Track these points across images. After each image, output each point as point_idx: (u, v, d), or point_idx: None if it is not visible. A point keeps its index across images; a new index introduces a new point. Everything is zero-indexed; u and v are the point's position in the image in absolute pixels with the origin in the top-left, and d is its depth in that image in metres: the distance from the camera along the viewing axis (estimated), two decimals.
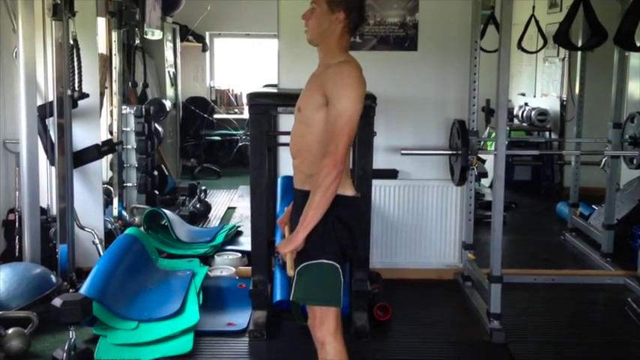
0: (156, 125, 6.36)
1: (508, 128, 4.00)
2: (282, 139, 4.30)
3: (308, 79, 2.61)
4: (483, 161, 6.44)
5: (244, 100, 9.69)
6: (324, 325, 2.54)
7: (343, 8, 2.52)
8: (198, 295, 4.09)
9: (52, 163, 4.45)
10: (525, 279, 4.67)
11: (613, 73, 4.97)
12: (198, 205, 6.50)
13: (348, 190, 2.54)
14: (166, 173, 7.07)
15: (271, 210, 4.11)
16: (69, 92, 4.23)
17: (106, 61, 5.87)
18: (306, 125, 2.54)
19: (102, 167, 5.09)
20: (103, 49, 5.90)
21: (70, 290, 4.06)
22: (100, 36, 5.52)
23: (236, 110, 9.94)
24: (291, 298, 2.56)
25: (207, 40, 9.69)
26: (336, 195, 2.43)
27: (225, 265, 4.82)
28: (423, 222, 4.72)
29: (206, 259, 4.94)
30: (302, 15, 2.61)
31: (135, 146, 5.95)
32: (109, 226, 5.01)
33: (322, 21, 2.55)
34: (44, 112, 4.42)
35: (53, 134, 4.37)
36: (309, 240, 2.44)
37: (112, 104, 5.92)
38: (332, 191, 2.39)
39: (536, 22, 6.44)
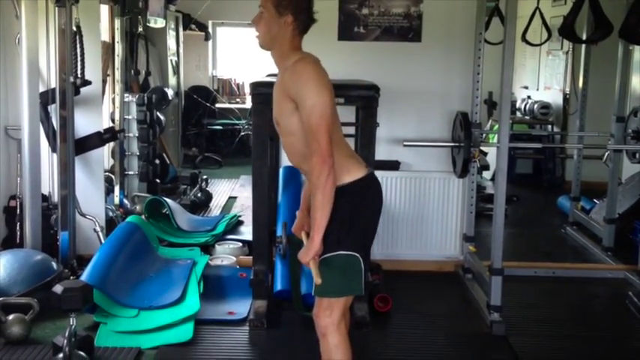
0: (158, 114, 6.35)
1: (510, 121, 3.99)
2: None
3: (274, 91, 2.59)
4: (485, 154, 6.43)
5: (247, 90, 9.68)
6: (329, 317, 2.54)
7: (291, 11, 2.50)
8: (198, 283, 4.10)
9: (53, 150, 4.45)
10: (526, 272, 4.67)
11: (617, 67, 4.96)
12: (199, 194, 6.50)
13: (347, 176, 2.52)
14: (168, 162, 7.06)
15: (273, 200, 4.11)
16: (71, 79, 4.23)
17: (108, 49, 5.85)
18: (290, 134, 2.54)
19: (103, 155, 5.09)
20: (105, 36, 5.88)
21: (71, 277, 4.07)
22: (102, 23, 5.50)
23: (238, 99, 9.93)
24: (312, 294, 2.56)
25: (210, 29, 9.66)
26: (337, 187, 2.43)
27: (226, 255, 4.83)
28: (424, 214, 4.72)
29: (207, 248, 4.95)
30: (252, 20, 2.60)
31: (136, 134, 5.96)
32: (110, 214, 5.01)
33: (271, 25, 2.53)
34: (46, 98, 4.41)
35: (55, 121, 4.37)
36: (324, 237, 2.43)
37: (114, 92, 5.91)
38: (330, 187, 2.39)
39: (541, 14, 6.41)
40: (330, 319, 2.54)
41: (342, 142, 2.60)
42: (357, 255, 2.51)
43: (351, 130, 4.17)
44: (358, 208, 2.52)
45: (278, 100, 2.54)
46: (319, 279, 2.45)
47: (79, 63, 4.29)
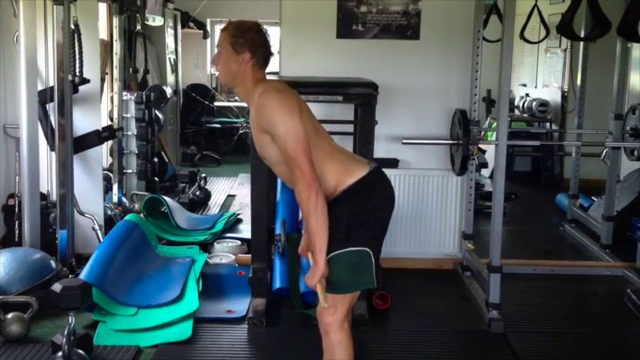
0: (156, 112, 6.34)
1: (509, 119, 3.99)
2: None
3: (251, 127, 2.63)
4: (484, 151, 6.44)
5: None
6: (333, 315, 2.55)
7: (247, 48, 2.52)
8: (197, 282, 4.09)
9: (52, 149, 4.45)
10: (524, 269, 4.67)
11: (615, 65, 4.97)
12: (198, 193, 6.50)
13: (350, 177, 2.53)
14: (166, 160, 7.07)
15: (271, 198, 4.11)
16: (69, 77, 4.22)
17: (106, 47, 5.85)
18: (278, 164, 2.56)
19: (102, 153, 5.08)
20: (103, 34, 5.88)
21: (70, 276, 4.07)
22: (101, 21, 5.50)
23: (237, 97, 9.91)
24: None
25: (209, 27, 9.65)
26: (339, 194, 2.49)
27: (225, 253, 4.82)
28: (423, 211, 4.72)
29: (206, 247, 4.95)
30: (211, 60, 2.61)
31: (135, 133, 5.95)
32: (109, 212, 5.01)
33: (230, 64, 2.55)
34: (45, 97, 4.41)
35: (53, 119, 4.36)
36: (332, 235, 2.45)
37: (112, 90, 5.91)
38: (321, 209, 2.40)
39: (539, 12, 6.42)
40: (333, 317, 2.55)
41: (335, 149, 2.62)
42: (367, 249, 2.52)
43: (350, 127, 4.18)
44: (366, 205, 2.53)
45: (255, 135, 2.57)
46: (325, 303, 2.48)
47: (77, 61, 4.29)
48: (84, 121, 4.61)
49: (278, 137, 2.43)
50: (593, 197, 5.87)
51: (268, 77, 2.63)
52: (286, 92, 2.53)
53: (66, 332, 3.08)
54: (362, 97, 3.78)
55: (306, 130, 2.43)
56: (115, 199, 5.60)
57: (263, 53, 2.55)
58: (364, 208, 2.52)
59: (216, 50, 2.61)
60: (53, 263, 4.05)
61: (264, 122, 2.47)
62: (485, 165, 6.64)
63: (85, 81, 4.38)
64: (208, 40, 9.71)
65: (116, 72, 5.79)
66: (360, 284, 2.59)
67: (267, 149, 2.55)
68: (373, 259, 2.53)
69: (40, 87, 4.45)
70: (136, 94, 5.96)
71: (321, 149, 2.51)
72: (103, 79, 5.65)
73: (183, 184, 6.75)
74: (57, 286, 3.14)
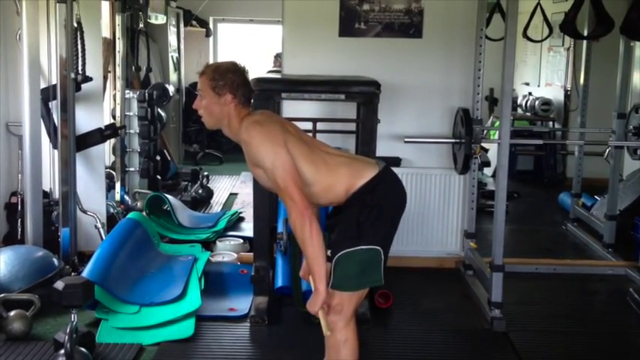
0: (159, 110, 6.35)
1: (512, 117, 3.99)
2: None
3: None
4: (486, 150, 6.43)
5: None
6: (339, 313, 2.56)
7: (228, 90, 2.54)
8: (199, 280, 4.10)
9: (54, 147, 4.45)
10: (527, 268, 4.67)
11: (618, 63, 4.96)
12: (200, 191, 6.50)
13: (360, 180, 2.56)
14: (169, 158, 7.07)
15: (274, 196, 4.11)
16: (72, 75, 4.22)
17: (109, 45, 5.85)
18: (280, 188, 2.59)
19: (104, 151, 5.09)
20: (106, 32, 5.88)
21: (72, 274, 4.07)
22: (103, 19, 5.50)
23: None
24: (329, 287, 2.55)
25: (211, 25, 9.67)
26: (350, 196, 2.52)
27: (227, 251, 4.82)
28: (425, 210, 4.71)
29: (208, 245, 4.95)
30: (193, 105, 2.63)
31: (137, 131, 5.95)
32: (112, 210, 5.01)
33: (212, 108, 2.57)
34: (47, 95, 4.41)
35: (56, 117, 4.37)
36: (344, 233, 2.47)
37: (115, 88, 5.90)
38: (316, 235, 2.43)
39: (542, 11, 6.41)
40: (339, 315, 2.56)
41: (335, 155, 2.65)
42: (378, 247, 2.54)
43: (352, 126, 4.18)
44: (377, 204, 2.55)
45: (252, 170, 2.63)
46: (328, 331, 2.51)
47: (79, 59, 4.29)
48: (86, 119, 4.61)
49: (266, 170, 2.49)
50: (595, 196, 5.86)
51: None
52: (267, 123, 2.56)
53: (68, 330, 3.08)
54: (364, 95, 3.78)
55: (294, 154, 2.48)
56: (118, 197, 5.60)
57: (244, 92, 2.58)
58: (376, 207, 2.54)
59: (197, 95, 2.62)
60: (55, 261, 4.06)
61: (252, 158, 2.53)
62: (487, 164, 6.62)
63: (87, 79, 4.38)
64: (211, 39, 9.72)
65: (119, 70, 5.79)
66: (368, 282, 2.62)
67: (266, 180, 2.58)
68: (383, 257, 2.55)
69: (42, 85, 4.45)
70: (138, 92, 5.96)
71: (322, 162, 2.55)
72: (105, 77, 5.65)
73: (186, 183, 6.75)
74: (59, 284, 3.15)
